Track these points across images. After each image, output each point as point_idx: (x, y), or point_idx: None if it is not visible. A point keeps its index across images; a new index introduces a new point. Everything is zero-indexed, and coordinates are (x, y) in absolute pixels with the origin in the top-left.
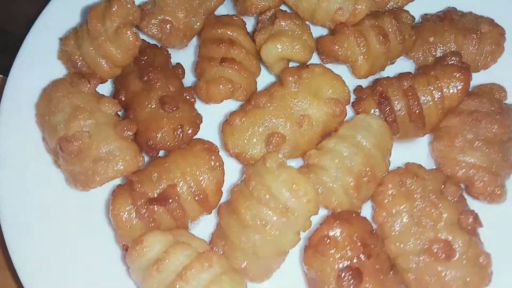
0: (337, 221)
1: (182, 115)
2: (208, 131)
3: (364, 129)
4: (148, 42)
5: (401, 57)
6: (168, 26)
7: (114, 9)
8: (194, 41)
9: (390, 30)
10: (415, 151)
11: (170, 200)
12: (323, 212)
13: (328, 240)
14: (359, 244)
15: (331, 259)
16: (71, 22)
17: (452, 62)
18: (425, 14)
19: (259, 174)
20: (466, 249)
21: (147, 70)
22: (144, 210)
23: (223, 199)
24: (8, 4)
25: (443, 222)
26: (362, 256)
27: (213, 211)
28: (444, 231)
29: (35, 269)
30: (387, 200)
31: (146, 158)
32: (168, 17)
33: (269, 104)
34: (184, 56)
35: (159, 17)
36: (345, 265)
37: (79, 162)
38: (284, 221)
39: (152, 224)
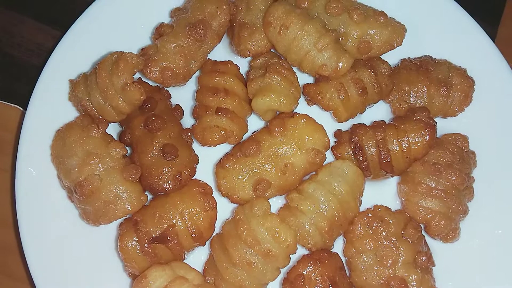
0: (311, 261)
1: (180, 161)
2: (204, 169)
3: (339, 177)
4: (150, 85)
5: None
6: (169, 73)
7: (120, 67)
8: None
9: (368, 82)
10: (384, 189)
11: (170, 239)
12: (300, 249)
13: (303, 279)
14: (328, 282)
15: None
16: (83, 61)
17: (421, 117)
18: (404, 59)
19: (247, 219)
20: (419, 286)
21: (150, 120)
22: (148, 247)
23: (215, 232)
24: (12, 27)
25: (401, 262)
26: None
27: (206, 242)
28: (401, 269)
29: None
30: (356, 239)
31: (149, 195)
32: (169, 63)
33: (257, 154)
34: (182, 93)
35: (160, 64)
36: None
37: (91, 203)
38: (267, 261)
39: (154, 258)
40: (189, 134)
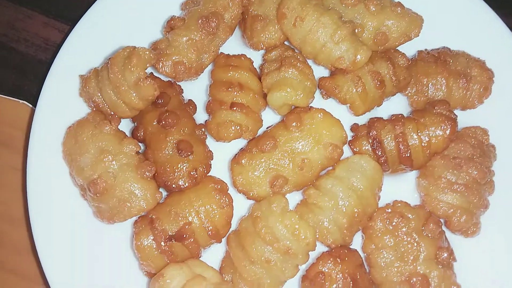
0: (331, 258)
1: (195, 158)
2: (219, 165)
3: (358, 172)
4: (162, 80)
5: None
6: (181, 67)
7: (133, 62)
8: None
9: (386, 74)
10: (403, 184)
11: (186, 237)
12: (319, 246)
13: (323, 276)
14: (349, 279)
15: None
16: (93, 55)
17: (441, 111)
18: (421, 51)
19: (265, 217)
20: (440, 282)
21: (163, 115)
22: (164, 246)
23: (232, 228)
24: (17, 21)
25: (422, 258)
26: None
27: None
28: (423, 265)
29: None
30: (375, 235)
31: (164, 192)
32: (181, 57)
33: (273, 149)
34: (195, 88)
35: (173, 58)
36: None
37: (105, 201)
38: (286, 258)
39: (171, 256)
40: (202, 129)
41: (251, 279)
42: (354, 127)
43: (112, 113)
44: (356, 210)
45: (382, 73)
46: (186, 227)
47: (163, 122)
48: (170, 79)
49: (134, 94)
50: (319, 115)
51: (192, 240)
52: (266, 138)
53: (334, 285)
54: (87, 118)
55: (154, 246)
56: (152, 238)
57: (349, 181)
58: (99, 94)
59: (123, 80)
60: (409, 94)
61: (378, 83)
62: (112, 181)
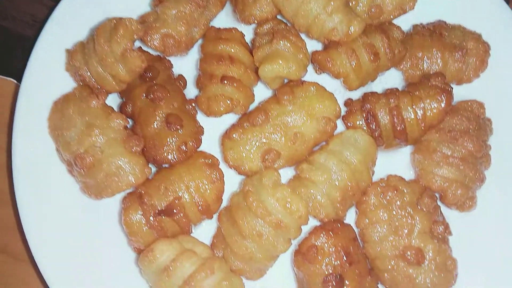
0: (324, 232)
1: (185, 132)
2: (209, 141)
3: (351, 146)
4: (151, 54)
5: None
6: (170, 40)
7: (120, 32)
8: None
9: (380, 47)
10: (397, 159)
11: (176, 212)
12: (312, 221)
13: (315, 250)
14: (342, 253)
15: (317, 265)
16: (79, 30)
17: (437, 83)
18: (416, 25)
19: (257, 190)
20: (435, 256)
21: (152, 88)
22: (153, 221)
23: (222, 205)
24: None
25: (417, 231)
26: (344, 263)
27: (213, 215)
28: (417, 239)
29: (55, 264)
30: (369, 209)
31: (153, 168)
32: (170, 31)
33: (265, 123)
34: (185, 63)
35: (161, 31)
36: (330, 271)
37: (93, 175)
38: (278, 232)
39: (160, 232)
40: (193, 104)
41: (242, 254)
42: (348, 102)
43: (99, 87)
44: (349, 184)
45: (377, 46)
46: (176, 201)
47: (152, 96)
48: (159, 54)
49: (121, 66)
50: (312, 88)
51: (182, 215)
52: (258, 112)
53: (327, 259)
54: (74, 93)
55: (143, 222)
56: (141, 213)
57: (343, 155)
58: (86, 68)
59: (109, 52)
60: (404, 69)
61: (372, 56)
62: (99, 155)
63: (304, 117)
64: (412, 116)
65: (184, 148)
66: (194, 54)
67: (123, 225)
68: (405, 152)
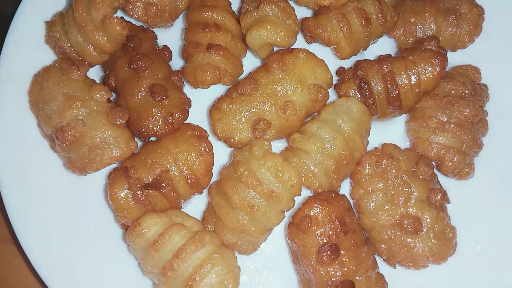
0: (317, 202)
1: (171, 103)
2: (197, 114)
3: (344, 114)
4: (134, 24)
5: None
6: (153, 8)
7: None
8: (180, 17)
9: (372, 12)
10: (392, 129)
11: (164, 185)
12: (305, 192)
13: (309, 220)
14: (337, 222)
15: (311, 236)
16: (58, 1)
17: (430, 46)
18: None
19: (247, 161)
20: (433, 224)
21: (135, 58)
22: (140, 195)
23: (213, 179)
24: None
25: (414, 200)
26: (339, 233)
27: (204, 190)
28: (414, 207)
29: (40, 246)
30: (364, 179)
31: (139, 142)
32: (153, 0)
33: (254, 92)
34: (170, 35)
35: (144, 0)
36: (324, 241)
37: (76, 149)
38: (270, 203)
39: (148, 206)
40: (179, 76)
41: (234, 227)
42: (340, 71)
43: (80, 58)
44: (343, 152)
45: (368, 11)
46: (164, 174)
47: (135, 66)
48: (142, 25)
49: (101, 35)
50: (302, 55)
51: (170, 188)
52: (246, 80)
53: (321, 229)
54: (54, 65)
55: (130, 197)
56: (127, 188)
57: (335, 123)
58: (66, 39)
59: (89, 20)
60: (397, 35)
61: (364, 21)
62: (82, 128)
63: (295, 85)
64: (406, 82)
65: (171, 120)
66: (180, 27)
67: (109, 200)
68: (399, 122)
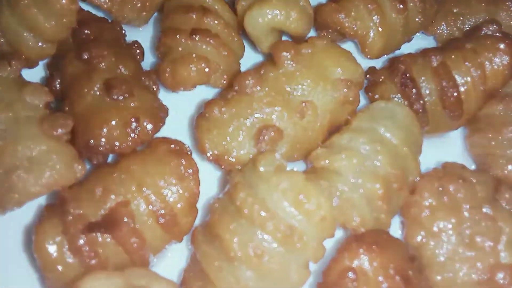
0: (363, 247)
1: (137, 105)
2: (176, 130)
3: (387, 119)
4: (94, 15)
5: (419, 33)
6: None
7: None
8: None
9: None
10: (446, 147)
11: (121, 224)
12: (338, 234)
13: (354, 275)
14: (397, 278)
15: None
16: None
17: (490, 32)
18: None
19: (250, 183)
20: None
21: (88, 44)
22: (81, 241)
23: (198, 220)
24: None
25: (505, 240)
26: None
27: (184, 237)
28: (507, 251)
29: None
30: (424, 214)
31: (88, 167)
32: None
33: (258, 88)
34: (144, 38)
35: None
36: None
37: None
38: (288, 250)
39: (94, 262)
40: (152, 77)
41: None
42: (372, 70)
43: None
44: (392, 171)
45: None
46: (121, 209)
47: (86, 56)
48: (106, 18)
49: (42, 12)
50: (321, 42)
51: (130, 230)
52: (246, 74)
53: None
54: None
55: (65, 247)
56: (62, 231)
57: (376, 132)
58: None
59: None
60: (438, 33)
61: (399, 4)
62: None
63: (314, 81)
64: (467, 78)
65: (135, 126)
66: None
67: (35, 253)
68: (454, 137)
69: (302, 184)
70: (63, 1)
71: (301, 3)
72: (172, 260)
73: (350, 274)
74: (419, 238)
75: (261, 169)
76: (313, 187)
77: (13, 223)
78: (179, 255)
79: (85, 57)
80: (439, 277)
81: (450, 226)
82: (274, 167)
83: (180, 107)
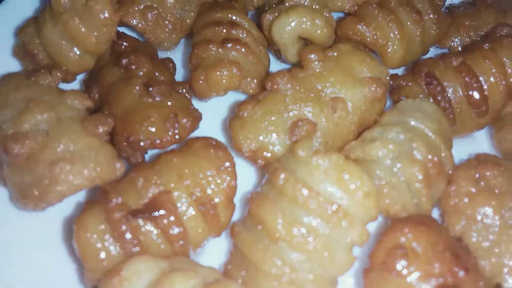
0: (409, 225)
1: (175, 104)
2: (209, 134)
3: (417, 112)
4: (129, 35)
5: (433, 48)
6: (153, 12)
7: None
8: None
9: (422, 8)
10: (472, 146)
11: (163, 211)
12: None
13: (403, 251)
14: (447, 254)
15: (410, 280)
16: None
17: (504, 34)
18: (451, 4)
19: (290, 168)
20: None
21: (126, 53)
22: (124, 228)
23: (235, 216)
24: None
25: None
26: (456, 272)
27: (222, 234)
28: None
29: None
30: (463, 202)
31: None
32: (152, 3)
33: (290, 86)
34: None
35: (141, 7)
36: (434, 287)
37: (30, 168)
38: (333, 229)
39: (136, 250)
40: (186, 86)
41: (275, 272)
42: (394, 77)
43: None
44: (429, 157)
45: (416, 6)
46: (163, 196)
47: (125, 61)
48: (139, 39)
49: (84, 23)
50: (346, 47)
51: (173, 218)
52: (278, 73)
53: (427, 267)
54: (19, 72)
55: (108, 238)
56: (105, 220)
57: (407, 124)
58: (38, 41)
59: (69, 5)
60: (452, 46)
61: (415, 15)
62: (42, 138)
63: (343, 78)
64: (490, 75)
65: (174, 123)
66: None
67: (75, 244)
68: (479, 138)
69: (343, 163)
70: (106, 11)
71: (325, 14)
72: (211, 257)
73: (399, 251)
74: (461, 226)
75: (300, 153)
76: (354, 166)
77: (52, 216)
78: (217, 252)
79: (124, 62)
80: (486, 262)
81: (491, 209)
82: (312, 151)
83: (212, 113)
